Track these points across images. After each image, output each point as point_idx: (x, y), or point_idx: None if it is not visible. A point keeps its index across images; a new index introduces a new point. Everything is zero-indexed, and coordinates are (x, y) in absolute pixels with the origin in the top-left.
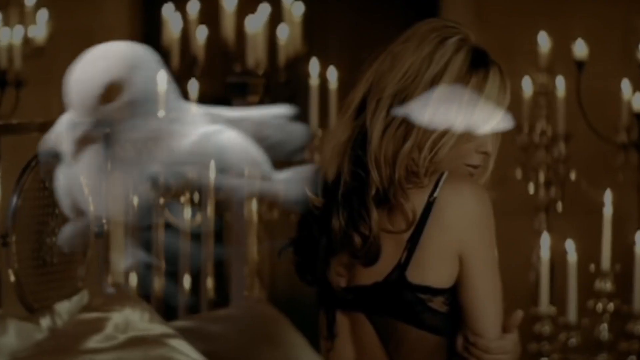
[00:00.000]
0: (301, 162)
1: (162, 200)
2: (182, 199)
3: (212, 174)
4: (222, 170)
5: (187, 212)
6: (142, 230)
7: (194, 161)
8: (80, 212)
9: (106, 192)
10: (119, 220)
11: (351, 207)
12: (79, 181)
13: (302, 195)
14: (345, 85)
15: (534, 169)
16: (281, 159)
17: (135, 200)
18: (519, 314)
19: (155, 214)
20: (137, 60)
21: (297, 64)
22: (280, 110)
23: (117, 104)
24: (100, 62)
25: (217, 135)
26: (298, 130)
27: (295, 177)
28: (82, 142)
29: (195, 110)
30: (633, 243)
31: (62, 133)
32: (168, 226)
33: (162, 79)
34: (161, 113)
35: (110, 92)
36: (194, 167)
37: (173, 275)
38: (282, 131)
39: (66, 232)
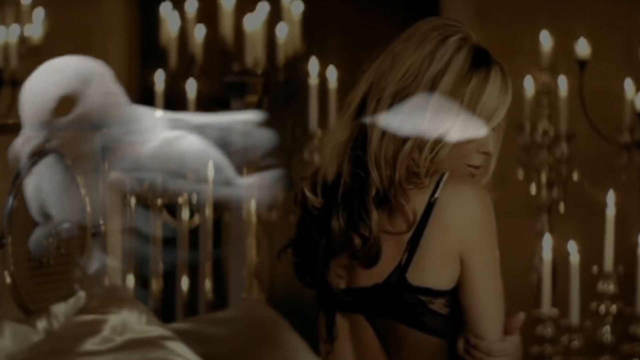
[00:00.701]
0: (267, 168)
1: (159, 201)
2: (180, 199)
3: (210, 175)
4: (183, 175)
5: (185, 213)
6: (139, 232)
7: (155, 167)
8: (47, 217)
9: (103, 193)
10: (116, 221)
11: (351, 208)
12: (46, 186)
13: (266, 199)
14: (345, 85)
15: (536, 170)
16: (247, 164)
17: (133, 201)
18: (521, 316)
19: (153, 214)
20: (90, 74)
21: (297, 63)
22: (246, 116)
23: (69, 117)
24: (54, 76)
25: (178, 141)
26: (263, 136)
27: (259, 182)
28: (74, 143)
29: (157, 116)
30: (636, 244)
31: (20, 145)
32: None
33: (160, 78)
34: (158, 113)
35: (64, 105)
36: (155, 173)
37: (171, 277)
38: (247, 137)
39: (36, 236)
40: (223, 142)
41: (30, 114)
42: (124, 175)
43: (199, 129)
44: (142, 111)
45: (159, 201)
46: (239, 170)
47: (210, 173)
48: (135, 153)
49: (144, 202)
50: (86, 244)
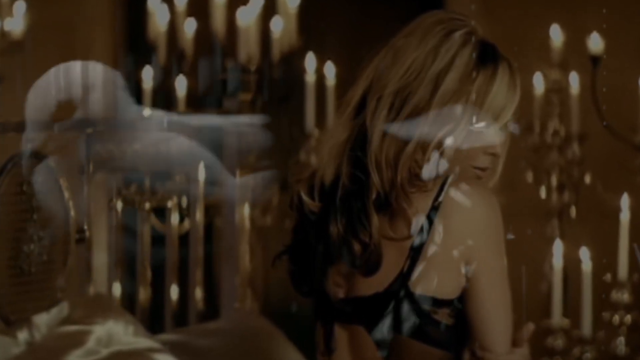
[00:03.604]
0: (260, 169)
1: (147, 205)
2: (170, 203)
3: (201, 178)
4: (171, 177)
5: (175, 218)
6: (126, 237)
7: (142, 168)
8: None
9: (87, 196)
10: (101, 226)
11: (350, 213)
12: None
13: (259, 200)
14: (344, 82)
15: (546, 172)
16: (241, 166)
17: (119, 205)
18: (530, 327)
19: (141, 219)
20: (94, 80)
21: (293, 59)
22: (241, 119)
23: (69, 122)
24: (59, 81)
25: (167, 143)
26: (257, 138)
27: (252, 183)
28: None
29: (153, 117)
30: None
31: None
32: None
33: (148, 74)
34: (147, 112)
35: (66, 109)
36: (142, 174)
37: (160, 285)
38: (241, 139)
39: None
40: (217, 144)
41: (33, 116)
42: (111, 176)
43: (194, 131)
44: (138, 111)
45: (147, 205)
46: (232, 172)
47: (201, 175)
48: (123, 154)
49: (131, 205)
50: (69, 250)
